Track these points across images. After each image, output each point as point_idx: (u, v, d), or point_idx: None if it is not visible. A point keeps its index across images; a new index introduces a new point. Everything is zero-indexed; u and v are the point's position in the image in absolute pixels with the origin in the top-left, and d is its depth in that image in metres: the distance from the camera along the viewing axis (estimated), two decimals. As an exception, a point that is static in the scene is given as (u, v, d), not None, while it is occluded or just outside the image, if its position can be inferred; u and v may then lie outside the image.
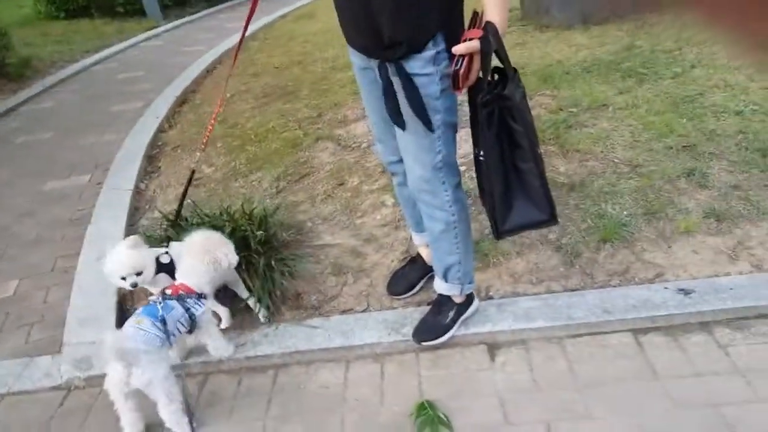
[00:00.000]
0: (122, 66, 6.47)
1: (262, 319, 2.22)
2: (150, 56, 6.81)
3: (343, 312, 2.29)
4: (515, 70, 1.68)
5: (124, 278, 1.93)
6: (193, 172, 2.31)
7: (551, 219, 1.84)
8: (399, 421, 1.85)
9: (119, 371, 1.69)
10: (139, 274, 1.94)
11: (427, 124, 1.72)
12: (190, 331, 1.89)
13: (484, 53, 1.54)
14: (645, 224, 2.56)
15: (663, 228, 2.53)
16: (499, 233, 1.86)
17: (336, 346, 2.13)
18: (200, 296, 1.91)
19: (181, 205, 2.30)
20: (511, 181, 1.78)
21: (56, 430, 1.91)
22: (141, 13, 8.62)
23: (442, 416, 1.84)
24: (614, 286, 2.30)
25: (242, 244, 2.18)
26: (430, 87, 1.68)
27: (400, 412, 1.88)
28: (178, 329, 1.82)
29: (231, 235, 2.26)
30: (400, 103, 1.72)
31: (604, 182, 2.83)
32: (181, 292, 1.87)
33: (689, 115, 3.32)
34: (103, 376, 2.04)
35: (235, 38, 6.77)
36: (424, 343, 2.09)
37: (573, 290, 2.30)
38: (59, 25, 8.62)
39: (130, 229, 2.93)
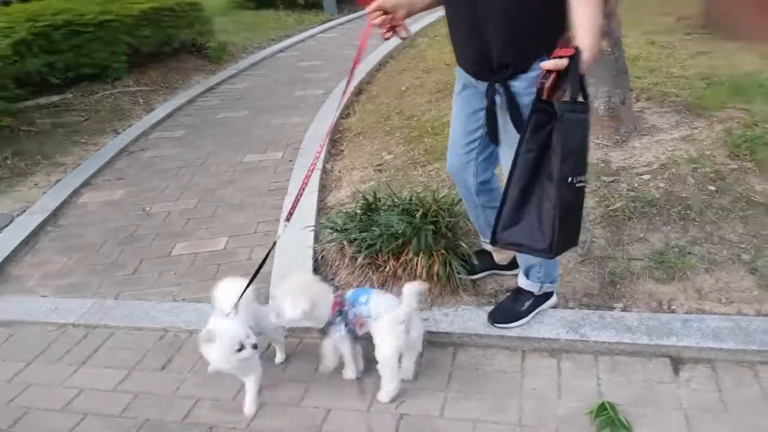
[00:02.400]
0: (303, 54, 7.04)
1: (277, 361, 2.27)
2: (326, 47, 7.32)
3: (520, 305, 2.36)
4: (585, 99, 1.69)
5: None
6: (274, 243, 2.33)
7: (548, 251, 1.78)
8: (576, 416, 1.89)
9: (402, 332, 1.92)
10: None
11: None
12: None
13: (569, 72, 1.60)
14: None
15: None
16: (495, 238, 1.86)
17: (514, 335, 2.21)
18: None
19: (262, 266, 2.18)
20: (529, 194, 1.78)
21: (264, 366, 2.21)
22: (319, 6, 9.34)
23: (623, 420, 1.85)
24: (819, 317, 2.13)
25: (433, 229, 2.34)
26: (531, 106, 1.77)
27: (578, 408, 1.92)
28: None
29: (423, 218, 2.44)
30: (502, 121, 1.89)
31: (812, 205, 2.61)
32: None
33: None
34: (299, 329, 2.32)
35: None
36: (498, 325, 2.22)
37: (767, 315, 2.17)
38: (249, 14, 9.58)
39: (320, 204, 3.25)
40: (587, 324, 2.21)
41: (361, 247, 2.48)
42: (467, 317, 2.31)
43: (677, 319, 2.20)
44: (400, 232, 2.41)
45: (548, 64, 1.61)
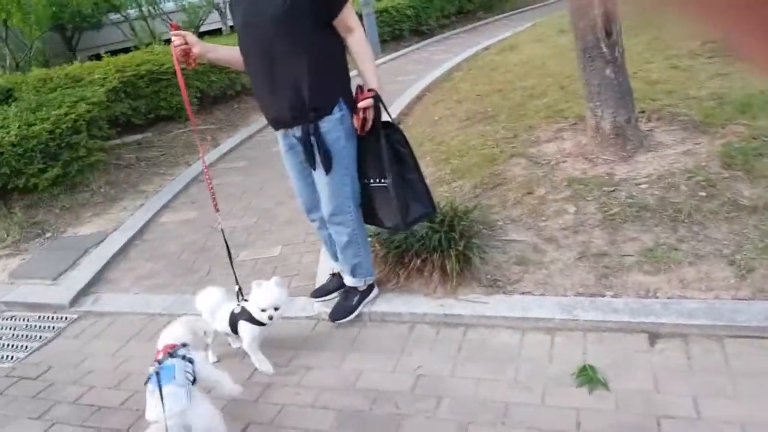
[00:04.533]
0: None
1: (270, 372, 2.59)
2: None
3: (523, 293, 2.79)
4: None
5: (264, 310, 2.46)
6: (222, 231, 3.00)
7: (434, 210, 2.62)
8: (563, 376, 2.30)
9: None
10: (277, 308, 2.49)
11: (335, 167, 2.45)
12: None
13: (377, 106, 2.36)
14: (831, 248, 2.63)
15: None
16: (406, 225, 2.52)
17: (516, 316, 2.64)
18: None
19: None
20: (405, 189, 2.47)
21: (311, 343, 2.73)
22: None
23: (600, 378, 2.25)
24: (785, 300, 2.45)
25: (449, 230, 2.83)
26: (338, 142, 2.42)
27: (565, 370, 2.33)
28: None
29: (441, 223, 2.93)
30: (317, 155, 2.46)
31: (790, 207, 2.91)
32: None
33: None
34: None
35: (442, 69, 7.59)
36: (338, 321, 2.82)
37: (741, 299, 2.51)
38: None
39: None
40: (579, 307, 2.61)
41: (390, 248, 2.99)
42: (477, 303, 2.76)
43: (658, 303, 2.57)
44: (420, 234, 2.91)
45: (363, 103, 2.31)
